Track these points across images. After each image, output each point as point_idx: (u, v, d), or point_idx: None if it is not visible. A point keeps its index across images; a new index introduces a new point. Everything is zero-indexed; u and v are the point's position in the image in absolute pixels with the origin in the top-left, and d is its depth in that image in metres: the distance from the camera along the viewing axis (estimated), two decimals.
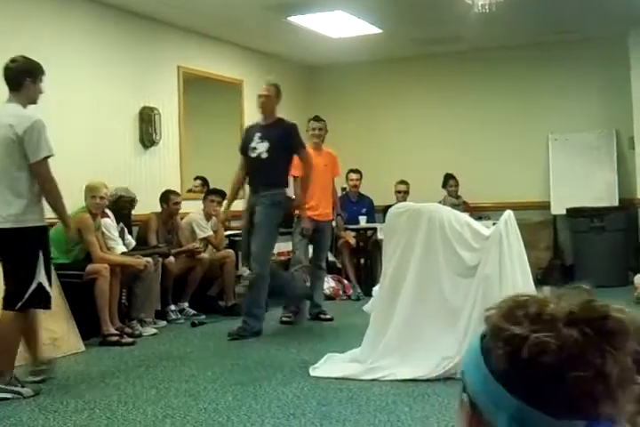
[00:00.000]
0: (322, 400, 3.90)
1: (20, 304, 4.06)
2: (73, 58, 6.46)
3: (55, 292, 4.51)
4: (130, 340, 5.58)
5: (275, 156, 5.82)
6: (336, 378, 4.34)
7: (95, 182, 5.83)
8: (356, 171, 8.66)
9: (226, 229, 7.22)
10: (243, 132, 6.15)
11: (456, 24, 7.62)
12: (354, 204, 8.57)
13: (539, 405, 0.82)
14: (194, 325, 6.37)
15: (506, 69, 9.13)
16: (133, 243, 6.36)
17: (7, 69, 4.20)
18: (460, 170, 8.88)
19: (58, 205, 4.19)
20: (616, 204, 8.31)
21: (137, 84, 7.22)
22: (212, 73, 8.20)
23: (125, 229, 6.33)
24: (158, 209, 6.80)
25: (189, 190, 7.85)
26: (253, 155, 5.88)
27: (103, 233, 5.94)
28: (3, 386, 4.02)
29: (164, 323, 6.36)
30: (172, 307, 6.60)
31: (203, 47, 8.11)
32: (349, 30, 7.98)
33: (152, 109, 7.28)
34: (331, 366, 4.57)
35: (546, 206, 8.68)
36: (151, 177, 7.26)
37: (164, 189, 6.88)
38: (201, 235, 6.94)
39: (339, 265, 8.37)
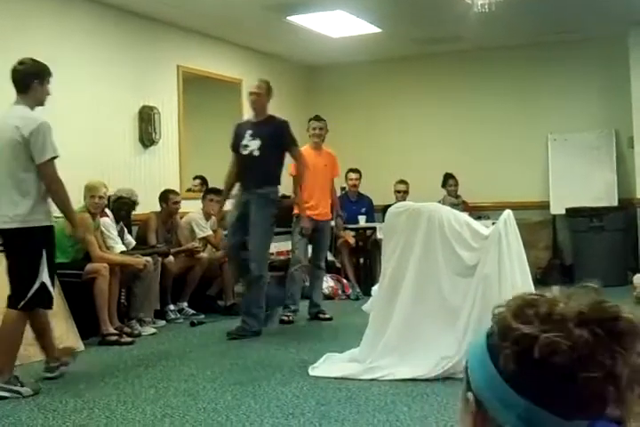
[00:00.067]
0: (321, 400, 3.90)
1: (22, 303, 4.10)
2: (73, 57, 6.46)
3: (54, 291, 4.52)
4: (129, 339, 5.59)
5: (267, 153, 5.79)
6: (335, 378, 4.34)
7: (94, 182, 5.83)
8: (356, 170, 8.67)
9: (225, 229, 7.21)
10: (233, 129, 6.06)
11: (456, 24, 7.63)
12: (353, 203, 8.57)
13: (547, 405, 0.82)
14: (193, 324, 6.36)
15: (505, 69, 9.13)
16: (133, 242, 6.36)
17: (15, 72, 4.25)
18: (459, 170, 8.88)
19: (65, 206, 4.25)
20: (615, 204, 8.32)
21: (137, 83, 7.22)
22: (211, 72, 8.20)
23: (125, 229, 6.33)
24: (158, 208, 6.80)
25: (189, 190, 7.86)
26: (245, 152, 5.84)
27: (102, 232, 5.94)
28: (2, 385, 4.03)
29: (163, 322, 6.36)
30: (172, 306, 6.60)
31: (202, 47, 8.11)
32: (349, 30, 7.98)
33: (152, 109, 7.29)
34: (330, 365, 4.57)
35: (545, 206, 8.69)
36: (150, 176, 7.26)
37: (163, 189, 6.88)
38: (200, 234, 6.94)
39: (338, 265, 8.37)
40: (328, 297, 7.50)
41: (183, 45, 7.82)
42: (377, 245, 7.35)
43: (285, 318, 6.38)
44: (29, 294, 4.09)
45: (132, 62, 7.18)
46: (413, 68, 9.52)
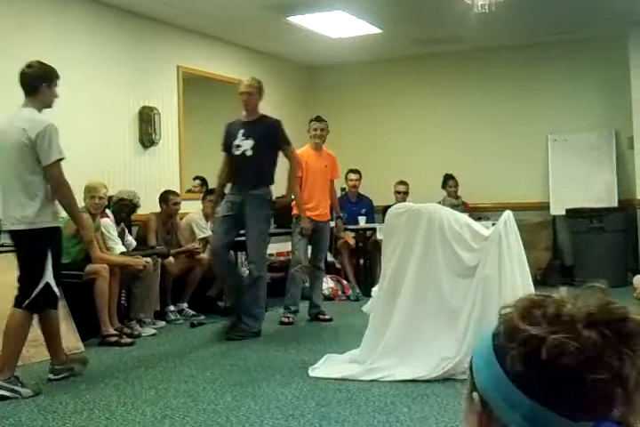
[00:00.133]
0: (321, 401, 3.90)
1: (26, 302, 4.15)
2: (73, 58, 6.46)
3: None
4: (129, 340, 5.58)
5: (260, 153, 5.76)
6: (335, 379, 4.33)
7: (94, 182, 5.83)
8: (356, 171, 8.66)
9: None
10: (224, 128, 6.02)
11: (456, 24, 7.62)
12: (353, 204, 8.57)
13: (553, 406, 0.82)
14: (193, 325, 6.36)
15: (505, 70, 9.13)
16: (134, 243, 6.36)
17: (23, 75, 4.29)
18: (459, 170, 8.88)
19: (71, 207, 4.31)
20: (615, 204, 8.31)
21: (136, 83, 7.22)
22: (211, 73, 8.20)
23: (126, 230, 6.34)
24: (158, 209, 6.80)
25: (189, 190, 7.85)
26: (237, 152, 5.80)
27: (102, 233, 5.94)
28: (2, 383, 4.05)
29: (163, 323, 6.35)
30: (172, 307, 6.60)
31: (202, 47, 8.11)
32: (349, 30, 7.98)
33: (152, 109, 7.28)
34: (330, 366, 4.57)
35: (545, 207, 8.69)
36: (150, 177, 7.26)
37: (163, 190, 6.88)
38: (200, 235, 6.94)
39: (338, 265, 8.37)
40: (328, 298, 7.49)
41: (183, 46, 7.82)
42: (377, 245, 7.35)
43: (285, 320, 6.37)
44: (33, 294, 4.15)
45: (132, 63, 7.17)
46: (413, 69, 9.52)
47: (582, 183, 8.51)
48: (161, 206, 6.78)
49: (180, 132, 7.73)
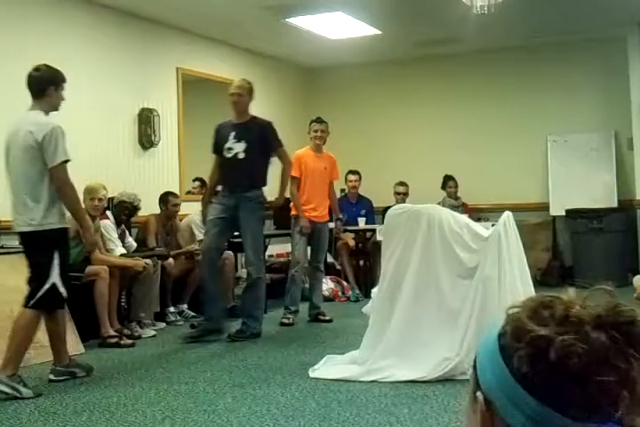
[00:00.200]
0: (321, 402, 3.90)
1: (31, 302, 4.21)
2: (72, 60, 6.45)
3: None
4: (129, 341, 5.59)
5: (253, 156, 5.73)
6: (335, 380, 4.33)
7: (93, 184, 5.83)
8: (356, 172, 8.67)
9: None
10: (214, 130, 5.98)
11: (455, 26, 7.63)
12: (353, 205, 8.57)
13: (559, 407, 0.81)
14: (193, 326, 6.34)
15: (504, 71, 9.13)
16: (134, 245, 6.36)
17: (31, 78, 4.37)
18: (459, 171, 8.88)
19: (75, 209, 4.35)
20: (615, 205, 8.32)
21: (136, 85, 7.22)
22: (210, 74, 8.20)
23: (127, 232, 6.34)
24: (157, 211, 6.80)
25: (188, 192, 7.85)
26: (229, 155, 5.77)
27: (102, 235, 5.94)
28: (4, 380, 4.09)
29: (163, 325, 6.36)
30: (172, 309, 6.60)
31: (202, 49, 8.11)
32: (349, 32, 7.98)
33: (151, 111, 7.29)
34: (330, 367, 4.57)
35: (545, 208, 8.69)
36: (150, 179, 7.27)
37: (162, 191, 6.88)
38: (200, 236, 6.91)
39: (338, 266, 8.37)
40: (328, 299, 7.49)
41: (182, 48, 7.82)
42: (377, 246, 7.34)
43: (286, 321, 6.37)
44: (39, 294, 4.21)
45: (132, 64, 7.18)
46: (413, 70, 9.52)
47: (582, 184, 8.51)
48: (160, 208, 6.78)
49: (180, 134, 7.73)
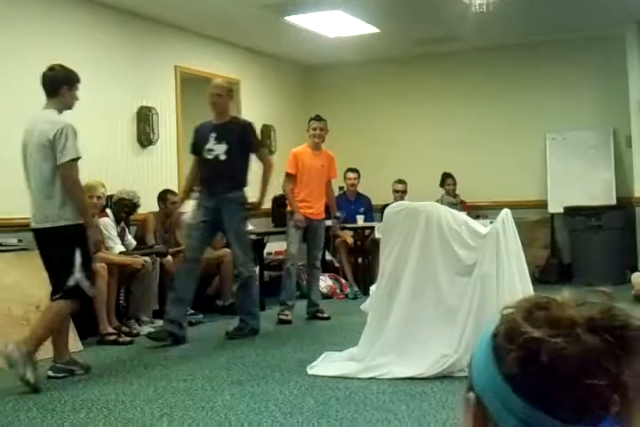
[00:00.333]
0: (319, 399, 3.91)
1: (57, 296, 4.33)
2: (70, 58, 6.42)
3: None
4: (127, 339, 5.60)
5: (234, 157, 5.66)
6: (333, 377, 4.34)
7: (92, 182, 5.83)
8: (354, 170, 8.67)
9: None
10: (193, 131, 5.92)
11: (454, 24, 7.63)
12: (352, 203, 8.58)
13: (549, 409, 0.81)
14: (191, 324, 6.35)
15: (503, 69, 9.14)
16: (134, 243, 6.36)
17: (45, 77, 4.47)
18: (457, 169, 8.89)
19: (80, 207, 4.40)
20: (613, 202, 8.32)
21: (134, 83, 7.22)
22: (209, 73, 8.18)
23: (127, 230, 6.34)
24: (156, 209, 6.80)
25: None
26: (209, 156, 5.69)
27: (101, 233, 5.94)
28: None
29: (161, 322, 6.34)
30: None
31: (200, 47, 8.11)
32: (347, 30, 7.98)
33: (150, 109, 7.29)
34: (328, 364, 4.58)
35: (543, 205, 8.70)
36: (149, 177, 7.26)
37: (161, 189, 6.88)
38: None
39: (336, 264, 8.38)
40: (326, 296, 7.50)
41: (181, 46, 7.82)
42: (375, 244, 7.34)
43: (283, 318, 6.37)
44: (64, 289, 4.31)
45: (130, 63, 7.18)
46: (411, 68, 9.52)
47: (580, 181, 8.52)
48: (159, 206, 6.79)
49: (178, 132, 7.73)
